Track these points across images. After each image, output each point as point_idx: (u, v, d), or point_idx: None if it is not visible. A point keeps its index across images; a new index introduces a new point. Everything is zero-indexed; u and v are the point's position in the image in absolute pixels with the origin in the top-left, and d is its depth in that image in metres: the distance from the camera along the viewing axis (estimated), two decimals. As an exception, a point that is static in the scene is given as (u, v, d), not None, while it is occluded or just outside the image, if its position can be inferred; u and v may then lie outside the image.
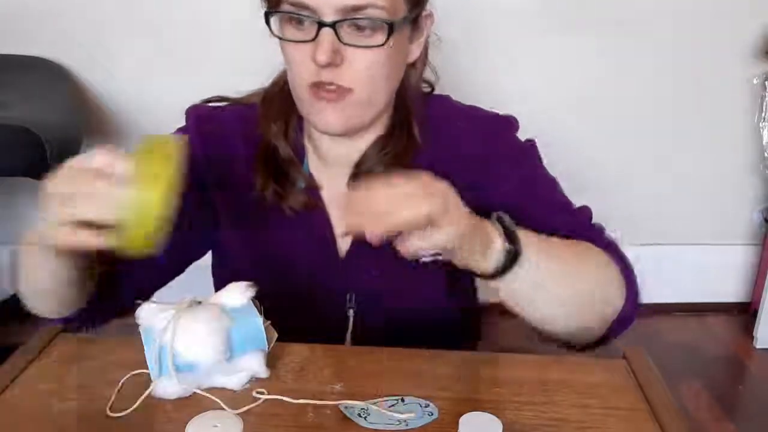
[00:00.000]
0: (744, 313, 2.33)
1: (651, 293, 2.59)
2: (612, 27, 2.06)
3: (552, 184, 1.00)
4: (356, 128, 0.92)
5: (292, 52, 0.88)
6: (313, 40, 0.84)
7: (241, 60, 1.95)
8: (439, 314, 1.01)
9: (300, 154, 0.99)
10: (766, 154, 2.19)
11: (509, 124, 1.01)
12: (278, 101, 0.98)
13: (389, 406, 0.76)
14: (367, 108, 0.90)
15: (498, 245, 0.78)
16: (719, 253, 2.34)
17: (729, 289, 2.36)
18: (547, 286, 0.83)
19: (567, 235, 0.89)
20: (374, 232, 0.70)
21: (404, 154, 0.96)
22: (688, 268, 2.32)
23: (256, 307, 0.81)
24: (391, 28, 0.85)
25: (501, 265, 0.78)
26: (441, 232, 0.72)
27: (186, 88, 2.02)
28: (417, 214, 0.70)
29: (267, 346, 0.81)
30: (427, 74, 1.02)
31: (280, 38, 0.88)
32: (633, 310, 0.90)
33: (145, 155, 0.68)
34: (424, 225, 0.71)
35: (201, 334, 0.76)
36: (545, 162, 1.02)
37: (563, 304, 0.85)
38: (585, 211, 0.98)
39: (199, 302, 0.81)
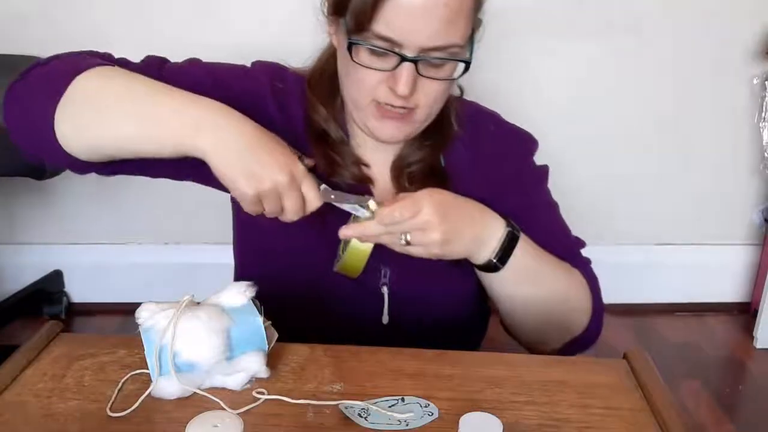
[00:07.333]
0: (744, 313, 2.33)
1: (651, 293, 2.59)
2: (612, 27, 2.06)
3: (553, 211, 1.07)
4: (412, 137, 0.97)
5: (363, 74, 0.88)
6: (392, 70, 0.86)
7: (241, 59, 1.95)
8: (465, 294, 1.04)
9: (346, 135, 1.01)
10: (766, 154, 2.19)
11: (531, 144, 1.07)
12: (324, 86, 1.00)
13: (389, 406, 0.76)
14: (427, 122, 0.95)
15: (500, 229, 0.90)
16: (719, 253, 2.34)
17: (729, 289, 2.36)
18: (532, 275, 0.95)
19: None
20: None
21: (443, 140, 1.01)
22: (688, 268, 2.31)
23: (256, 306, 0.81)
24: (467, 66, 0.89)
25: (501, 247, 0.90)
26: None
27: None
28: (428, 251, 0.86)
29: (267, 346, 0.81)
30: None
31: (356, 62, 0.87)
32: (593, 335, 1.02)
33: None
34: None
35: (201, 334, 0.77)
36: (551, 158, 1.07)
37: (539, 300, 0.95)
38: (577, 242, 1.07)
39: (199, 302, 0.81)
